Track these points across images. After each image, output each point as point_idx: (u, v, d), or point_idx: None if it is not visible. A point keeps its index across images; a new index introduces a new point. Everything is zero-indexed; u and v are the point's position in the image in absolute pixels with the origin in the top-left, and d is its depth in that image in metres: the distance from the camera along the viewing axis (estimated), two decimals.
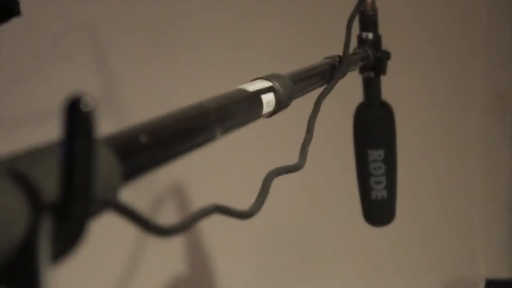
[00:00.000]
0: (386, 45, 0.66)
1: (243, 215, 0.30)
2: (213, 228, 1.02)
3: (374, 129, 0.70)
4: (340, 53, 0.56)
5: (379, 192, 0.71)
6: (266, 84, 0.40)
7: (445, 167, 1.37)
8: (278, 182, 0.36)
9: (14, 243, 0.18)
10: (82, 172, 0.18)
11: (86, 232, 0.19)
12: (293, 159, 0.41)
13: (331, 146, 1.03)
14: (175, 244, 0.91)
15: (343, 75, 0.55)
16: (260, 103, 0.39)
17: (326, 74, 0.54)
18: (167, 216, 0.99)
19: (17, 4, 0.46)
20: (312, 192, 1.14)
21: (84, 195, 0.18)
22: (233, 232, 0.97)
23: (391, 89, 0.70)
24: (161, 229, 0.23)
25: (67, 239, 0.19)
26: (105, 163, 0.21)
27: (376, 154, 0.69)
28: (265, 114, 0.40)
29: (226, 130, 0.34)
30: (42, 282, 0.18)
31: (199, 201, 1.02)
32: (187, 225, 0.24)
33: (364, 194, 0.72)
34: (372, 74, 0.67)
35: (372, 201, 0.72)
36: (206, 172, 0.97)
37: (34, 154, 0.20)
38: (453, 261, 1.33)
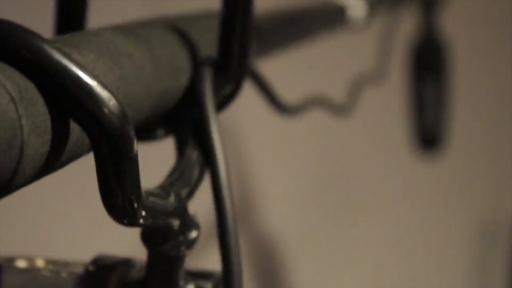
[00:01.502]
0: None
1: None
2: (260, 161, 0.97)
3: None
4: None
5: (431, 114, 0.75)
6: None
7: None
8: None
9: (182, 90, 0.19)
10: (242, 31, 0.19)
11: (242, 88, 0.21)
12: None
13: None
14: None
15: None
16: None
17: None
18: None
19: None
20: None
21: (243, 52, 0.20)
22: (281, 166, 0.96)
23: None
24: (283, 106, 0.27)
25: (226, 93, 0.20)
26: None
27: (432, 79, 0.74)
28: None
29: None
30: (211, 124, 0.19)
31: None
32: (302, 108, 0.29)
33: (417, 120, 0.75)
34: None
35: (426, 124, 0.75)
36: None
37: (195, 17, 0.22)
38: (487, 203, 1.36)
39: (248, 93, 0.23)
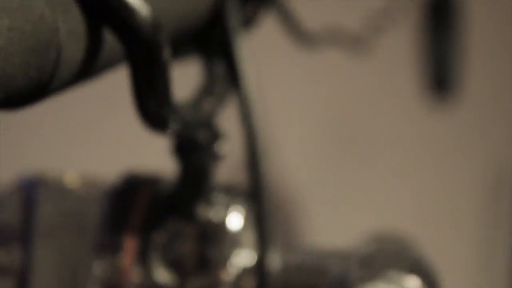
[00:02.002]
0: None
1: None
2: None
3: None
4: None
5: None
6: None
7: None
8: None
9: (209, 9, 0.19)
10: None
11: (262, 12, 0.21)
12: None
13: None
14: None
15: None
16: None
17: None
18: None
19: None
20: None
21: None
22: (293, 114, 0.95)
23: None
24: (305, 35, 0.26)
25: (249, 15, 0.21)
26: None
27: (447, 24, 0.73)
28: None
29: None
30: (236, 41, 0.19)
31: None
32: (322, 40, 0.28)
33: (430, 66, 0.74)
34: None
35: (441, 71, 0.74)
36: None
37: None
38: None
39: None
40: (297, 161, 0.99)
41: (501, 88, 1.22)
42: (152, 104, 0.14)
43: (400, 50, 0.96)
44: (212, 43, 0.20)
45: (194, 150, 0.17)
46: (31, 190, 0.19)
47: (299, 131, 0.99)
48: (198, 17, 0.19)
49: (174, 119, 0.15)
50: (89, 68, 0.13)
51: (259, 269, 0.18)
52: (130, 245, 0.18)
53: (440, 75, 0.70)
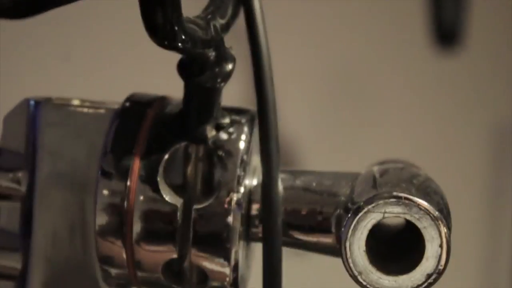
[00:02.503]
0: None
1: None
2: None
3: None
4: None
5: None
6: None
7: None
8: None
9: None
10: None
11: None
12: None
13: None
14: None
15: None
16: None
17: None
18: None
19: None
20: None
21: None
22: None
23: None
24: None
25: None
26: None
27: None
28: None
29: None
30: None
31: None
32: None
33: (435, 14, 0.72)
34: None
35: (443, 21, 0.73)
36: None
37: None
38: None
39: None
40: (301, 111, 1.00)
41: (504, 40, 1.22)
42: (161, 18, 0.14)
43: None
44: None
45: (202, 68, 0.17)
46: (36, 112, 0.19)
47: (303, 82, 0.99)
48: None
49: (182, 35, 0.15)
50: None
51: (265, 191, 0.18)
52: (136, 165, 0.18)
53: (445, 22, 0.69)
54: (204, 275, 0.19)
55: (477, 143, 1.21)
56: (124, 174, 0.18)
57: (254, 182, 0.19)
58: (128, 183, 0.18)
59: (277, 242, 0.18)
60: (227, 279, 0.18)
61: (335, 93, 1.03)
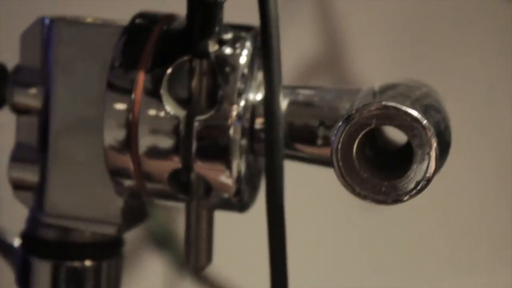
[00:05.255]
0: None
1: None
2: None
3: None
4: None
5: None
6: None
7: None
8: None
9: None
10: None
11: None
12: None
13: None
14: None
15: None
16: None
17: None
18: None
19: None
20: None
21: None
22: None
23: None
24: None
25: None
26: None
27: None
28: None
29: None
30: None
31: None
32: None
33: None
34: None
35: None
36: None
37: None
38: None
39: None
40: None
41: None
42: None
43: None
44: None
45: None
46: (50, 30, 0.20)
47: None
48: None
49: None
50: None
51: (267, 104, 0.18)
52: (140, 78, 0.19)
53: None
54: (209, 186, 0.19)
55: None
56: (129, 87, 0.19)
57: (258, 97, 0.20)
58: (133, 96, 0.19)
59: (278, 154, 0.18)
60: (231, 190, 0.19)
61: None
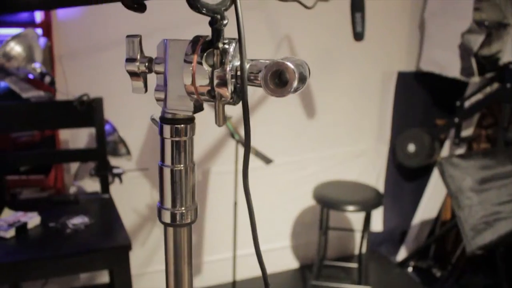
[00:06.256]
0: None
1: None
2: None
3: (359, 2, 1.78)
4: None
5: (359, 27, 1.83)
6: None
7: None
8: None
9: None
10: None
11: None
12: None
13: None
14: None
15: None
16: None
17: None
18: None
19: None
20: None
21: None
22: None
23: None
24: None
25: None
26: None
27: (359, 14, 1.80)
28: None
29: None
30: None
31: None
32: None
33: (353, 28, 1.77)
34: None
35: (356, 32, 1.83)
36: None
37: None
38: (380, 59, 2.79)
39: None
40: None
41: (382, 33, 2.87)
42: None
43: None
44: None
45: None
46: (166, 44, 0.57)
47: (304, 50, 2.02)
48: None
49: None
50: None
51: (241, 65, 0.53)
52: (195, 58, 0.55)
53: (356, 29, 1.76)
54: (221, 95, 0.55)
55: (375, 81, 2.73)
56: (191, 61, 0.55)
57: (237, 62, 0.55)
58: (192, 64, 0.55)
59: (245, 84, 0.54)
60: (228, 97, 0.55)
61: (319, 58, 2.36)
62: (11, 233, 1.53)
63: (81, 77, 2.11)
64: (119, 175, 1.93)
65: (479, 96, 2.57)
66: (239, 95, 0.55)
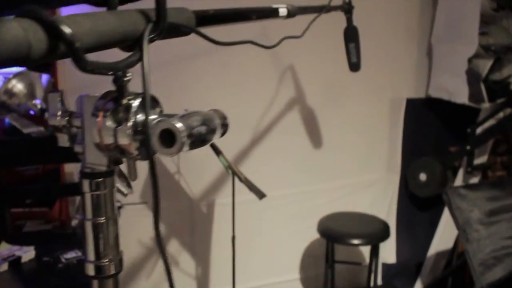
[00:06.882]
0: None
1: None
2: None
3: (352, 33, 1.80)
4: None
5: (354, 58, 1.83)
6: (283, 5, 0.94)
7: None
8: None
9: (140, 31, 0.54)
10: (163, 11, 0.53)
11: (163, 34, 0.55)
12: None
13: None
14: None
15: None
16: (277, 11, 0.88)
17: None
18: None
19: None
20: None
21: (164, 18, 0.53)
22: None
23: None
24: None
25: (158, 34, 0.54)
26: (185, 13, 0.58)
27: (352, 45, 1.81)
28: (282, 16, 0.94)
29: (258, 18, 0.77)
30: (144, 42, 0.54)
31: None
32: None
33: (348, 59, 1.83)
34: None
35: (352, 62, 1.85)
36: None
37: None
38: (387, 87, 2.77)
39: None
40: (307, 99, 2.18)
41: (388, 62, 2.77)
42: None
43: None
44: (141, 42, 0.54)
45: None
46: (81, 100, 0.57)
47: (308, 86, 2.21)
48: (134, 33, 0.53)
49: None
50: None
51: (145, 119, 0.52)
52: (101, 115, 0.55)
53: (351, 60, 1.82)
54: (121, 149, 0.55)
55: (383, 107, 2.76)
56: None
57: (140, 117, 0.55)
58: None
59: (148, 131, 0.53)
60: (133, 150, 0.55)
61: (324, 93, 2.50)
62: (4, 267, 1.56)
63: None
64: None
65: (491, 122, 2.48)
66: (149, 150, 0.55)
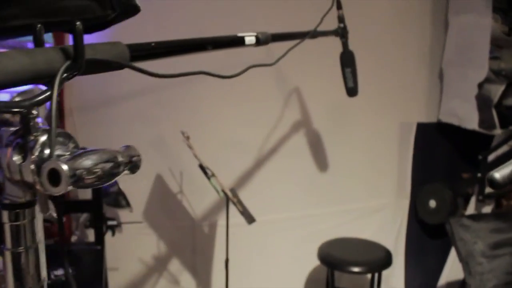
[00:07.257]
0: None
1: None
2: None
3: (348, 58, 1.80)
4: None
5: (350, 83, 1.84)
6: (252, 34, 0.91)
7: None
8: None
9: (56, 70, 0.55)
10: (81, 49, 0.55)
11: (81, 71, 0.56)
12: None
13: None
14: None
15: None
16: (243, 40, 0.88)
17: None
18: None
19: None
20: None
21: (82, 55, 0.55)
22: None
23: None
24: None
25: (76, 71, 0.56)
26: (118, 48, 0.59)
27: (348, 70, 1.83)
28: (250, 45, 0.95)
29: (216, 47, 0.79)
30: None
31: None
32: None
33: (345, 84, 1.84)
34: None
35: (348, 87, 1.85)
36: None
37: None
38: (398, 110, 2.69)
39: None
40: (314, 122, 2.13)
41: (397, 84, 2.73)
42: None
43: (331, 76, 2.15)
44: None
45: None
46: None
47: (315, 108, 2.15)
48: (50, 71, 0.54)
49: None
50: None
51: (49, 154, 0.53)
52: (9, 152, 0.56)
53: (348, 85, 1.84)
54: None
55: (391, 133, 2.63)
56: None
57: (47, 152, 0.55)
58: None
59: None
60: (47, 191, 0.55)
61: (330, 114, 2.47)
62: None
63: (92, 129, 2.21)
64: (112, 227, 1.97)
65: (504, 149, 2.39)
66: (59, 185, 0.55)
